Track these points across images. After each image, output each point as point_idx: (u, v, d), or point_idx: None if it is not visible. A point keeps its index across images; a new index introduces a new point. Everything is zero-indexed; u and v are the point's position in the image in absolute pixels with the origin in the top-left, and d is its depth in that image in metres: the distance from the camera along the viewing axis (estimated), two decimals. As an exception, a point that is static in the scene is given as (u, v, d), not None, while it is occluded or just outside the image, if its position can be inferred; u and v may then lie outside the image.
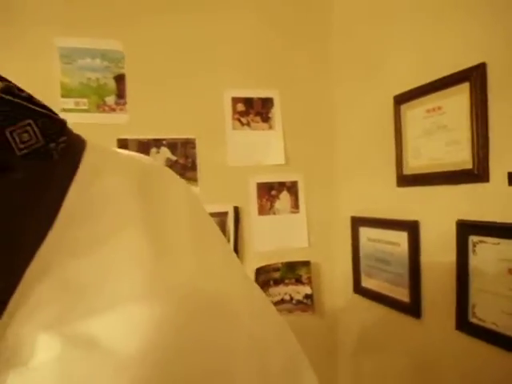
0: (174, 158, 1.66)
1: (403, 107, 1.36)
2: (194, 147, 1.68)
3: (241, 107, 1.74)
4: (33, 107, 0.35)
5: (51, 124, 0.36)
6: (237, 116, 1.73)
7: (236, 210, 1.70)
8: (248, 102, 1.74)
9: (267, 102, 1.76)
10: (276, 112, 1.76)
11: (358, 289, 1.65)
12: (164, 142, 1.66)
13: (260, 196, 1.74)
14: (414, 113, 1.32)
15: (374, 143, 1.55)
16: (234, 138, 1.72)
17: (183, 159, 1.67)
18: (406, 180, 1.36)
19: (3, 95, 0.33)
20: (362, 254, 1.63)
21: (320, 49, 1.81)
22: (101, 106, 1.62)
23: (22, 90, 0.35)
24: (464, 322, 1.14)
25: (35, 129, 0.34)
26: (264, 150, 1.75)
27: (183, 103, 1.66)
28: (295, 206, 1.78)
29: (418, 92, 1.29)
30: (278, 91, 1.77)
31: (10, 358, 0.30)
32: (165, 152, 1.67)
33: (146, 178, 0.43)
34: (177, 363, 0.32)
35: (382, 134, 1.47)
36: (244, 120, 1.74)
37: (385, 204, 1.48)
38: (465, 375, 1.16)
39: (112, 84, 1.63)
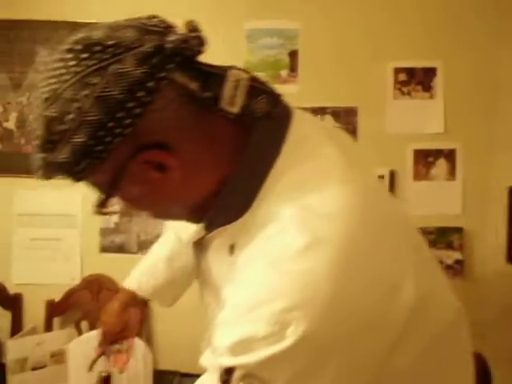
0: (337, 124, 1.86)
1: None
2: (355, 115, 1.85)
3: (402, 77, 1.84)
4: (263, 87, 0.56)
5: (273, 96, 0.57)
6: (398, 86, 1.84)
7: (392, 174, 1.83)
8: (410, 72, 1.83)
9: (429, 72, 1.82)
10: (438, 82, 1.82)
11: (513, 258, 1.67)
12: (328, 111, 1.86)
13: (416, 162, 1.84)
14: None
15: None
16: (394, 106, 1.84)
17: (345, 126, 1.86)
18: None
19: (253, 83, 0.55)
20: (519, 224, 1.63)
21: (488, 18, 1.79)
22: (276, 79, 1.88)
23: (256, 79, 0.56)
24: None
25: (266, 101, 0.55)
26: (423, 119, 1.83)
27: (348, 74, 1.83)
28: (451, 173, 1.84)
29: None
30: (442, 61, 1.81)
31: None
32: (329, 119, 1.87)
33: (331, 132, 0.65)
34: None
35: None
36: (405, 90, 1.84)
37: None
38: None
39: (286, 59, 1.88)
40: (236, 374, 0.47)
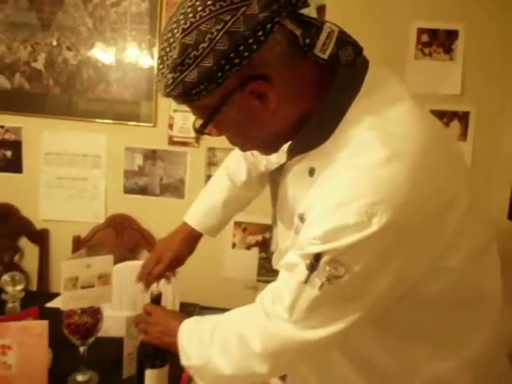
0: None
1: None
2: (376, 73, 1.91)
3: (425, 38, 1.89)
4: (349, 39, 0.66)
5: (356, 48, 0.67)
6: (420, 46, 1.90)
7: (407, 132, 1.91)
8: (433, 33, 1.88)
9: (452, 35, 1.88)
10: (459, 45, 1.88)
11: (515, 216, 1.79)
12: (350, 67, 1.92)
13: (431, 122, 1.92)
14: None
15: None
16: (414, 66, 1.90)
17: (365, 83, 1.92)
18: None
19: (341, 35, 0.65)
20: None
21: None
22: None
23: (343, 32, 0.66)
24: None
25: (351, 50, 0.66)
26: (442, 80, 1.90)
27: (373, 31, 1.86)
28: (463, 134, 1.93)
29: None
30: (465, 24, 1.86)
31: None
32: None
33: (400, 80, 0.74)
34: None
35: None
36: (426, 51, 1.90)
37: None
38: None
39: (314, 14, 1.91)
40: (324, 259, 0.58)
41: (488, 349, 0.71)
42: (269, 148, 0.76)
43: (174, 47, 0.60)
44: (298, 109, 0.67)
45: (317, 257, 0.59)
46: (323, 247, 0.59)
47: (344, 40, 0.65)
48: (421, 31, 1.89)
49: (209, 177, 2.01)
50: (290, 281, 0.64)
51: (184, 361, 0.81)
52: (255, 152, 1.10)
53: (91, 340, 1.13)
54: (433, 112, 1.96)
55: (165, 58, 0.62)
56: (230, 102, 0.63)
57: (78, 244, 1.99)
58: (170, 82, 0.61)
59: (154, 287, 1.08)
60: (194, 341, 0.79)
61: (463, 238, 0.63)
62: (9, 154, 2.03)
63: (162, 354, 0.98)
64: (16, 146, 2.03)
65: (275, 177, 0.80)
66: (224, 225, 1.16)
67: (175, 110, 1.95)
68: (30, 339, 1.04)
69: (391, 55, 1.90)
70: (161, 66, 0.63)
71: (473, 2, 1.84)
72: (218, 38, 0.57)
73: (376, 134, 0.60)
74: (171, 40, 0.60)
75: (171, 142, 2.00)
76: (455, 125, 1.93)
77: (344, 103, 0.65)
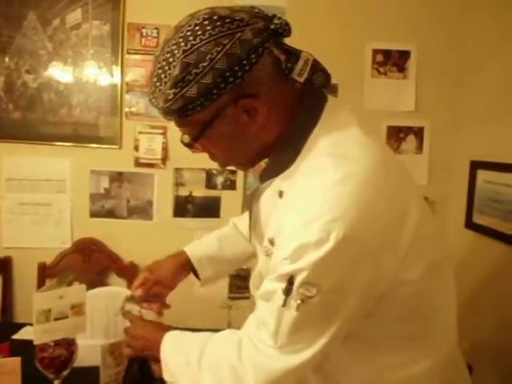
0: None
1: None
2: (336, 91, 1.99)
3: (380, 58, 1.99)
4: (321, 67, 0.77)
5: (326, 75, 0.77)
6: (375, 66, 1.99)
7: (367, 148, 2.00)
8: (387, 53, 1.99)
9: (404, 55, 1.99)
10: (412, 64, 1.99)
11: (470, 224, 1.90)
12: (311, 86, 1.99)
13: (389, 137, 2.02)
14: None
15: (499, 97, 1.72)
16: (371, 85, 2.00)
17: (326, 102, 1.99)
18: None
19: (315, 63, 0.75)
20: (476, 194, 1.85)
21: (458, 8, 1.96)
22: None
23: (316, 60, 0.76)
24: None
25: (322, 76, 0.76)
26: (397, 98, 2.00)
27: (330, 53, 1.94)
28: (419, 147, 2.03)
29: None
30: (416, 45, 1.98)
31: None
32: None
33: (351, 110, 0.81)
34: None
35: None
36: (381, 70, 2.00)
37: (507, 149, 1.68)
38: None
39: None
40: (296, 283, 0.63)
41: (447, 356, 0.76)
42: (248, 163, 0.82)
43: (175, 66, 0.67)
44: (277, 127, 0.75)
45: (290, 281, 0.64)
46: (293, 266, 0.64)
47: (317, 67, 0.76)
48: (376, 51, 1.99)
49: (176, 197, 2.02)
50: (270, 308, 0.68)
51: (167, 377, 0.83)
52: None
53: (66, 373, 1.11)
54: (390, 128, 2.09)
55: (163, 75, 0.68)
56: (221, 117, 0.70)
57: (44, 271, 1.94)
58: (170, 96, 0.68)
59: (135, 310, 1.07)
60: (180, 360, 0.81)
61: (419, 251, 0.69)
62: (-32, 180, 1.97)
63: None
64: (-25, 172, 1.97)
65: (251, 199, 0.87)
66: (219, 267, 1.17)
67: (140, 132, 1.95)
68: (2, 377, 1.02)
69: (349, 74, 1.98)
70: (158, 84, 0.69)
71: (423, 25, 1.96)
72: (217, 58, 0.65)
73: (330, 160, 0.68)
74: (171, 60, 0.67)
75: (137, 163, 2.00)
76: (411, 139, 2.04)
77: (306, 131, 0.73)
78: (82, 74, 1.96)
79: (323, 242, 0.61)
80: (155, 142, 1.94)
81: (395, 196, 0.69)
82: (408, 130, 2.03)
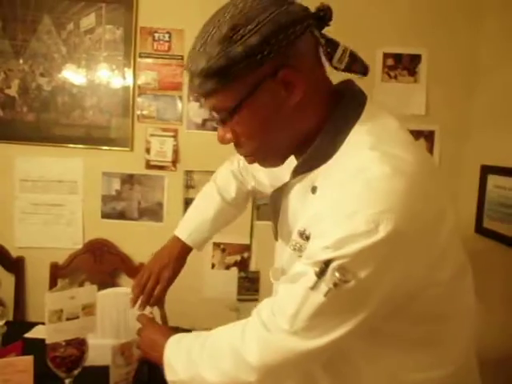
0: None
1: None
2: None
3: (390, 62, 1.99)
4: (358, 57, 0.77)
5: (364, 64, 0.78)
6: (386, 70, 1.99)
7: (377, 152, 2.00)
8: (397, 57, 1.99)
9: (415, 59, 1.98)
10: (422, 68, 1.98)
11: (480, 229, 1.88)
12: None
13: (399, 141, 2.01)
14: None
15: (510, 101, 1.71)
16: (381, 88, 2.00)
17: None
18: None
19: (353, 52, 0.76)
20: (486, 199, 1.84)
21: (469, 12, 1.95)
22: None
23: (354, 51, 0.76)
24: None
25: (361, 65, 0.78)
26: (407, 101, 2.00)
27: (341, 57, 1.96)
28: (430, 151, 2.03)
29: None
30: (427, 49, 1.97)
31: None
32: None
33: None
34: None
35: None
36: (392, 73, 2.00)
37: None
38: None
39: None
40: (333, 265, 0.63)
41: (463, 362, 0.76)
42: (278, 154, 0.80)
43: (223, 26, 0.67)
44: (315, 114, 0.74)
45: (327, 263, 0.63)
46: (335, 253, 0.63)
47: (355, 56, 0.76)
48: (386, 55, 1.99)
49: (186, 199, 2.04)
50: (295, 289, 0.68)
51: (170, 376, 0.82)
52: (244, 172, 1.16)
53: (77, 372, 1.13)
54: (400, 132, 2.06)
55: (207, 36, 0.68)
56: (260, 89, 0.69)
57: (56, 271, 1.98)
58: (214, 54, 0.67)
59: (147, 311, 1.09)
60: (182, 354, 0.81)
61: (451, 252, 0.70)
62: (-17, 181, 2.01)
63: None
64: (-10, 173, 2.00)
65: (277, 195, 0.85)
66: (209, 239, 1.21)
67: (152, 135, 1.98)
68: (15, 376, 1.04)
69: (359, 78, 1.98)
70: (199, 45, 0.69)
71: (434, 29, 1.96)
72: (264, 22, 0.66)
73: (378, 154, 0.67)
74: (219, 21, 0.68)
75: (148, 166, 2.02)
76: (421, 143, 2.03)
77: (347, 126, 0.72)
78: (94, 77, 1.99)
79: (372, 232, 0.61)
80: (166, 144, 1.96)
81: (437, 198, 0.70)
82: (418, 134, 2.02)
